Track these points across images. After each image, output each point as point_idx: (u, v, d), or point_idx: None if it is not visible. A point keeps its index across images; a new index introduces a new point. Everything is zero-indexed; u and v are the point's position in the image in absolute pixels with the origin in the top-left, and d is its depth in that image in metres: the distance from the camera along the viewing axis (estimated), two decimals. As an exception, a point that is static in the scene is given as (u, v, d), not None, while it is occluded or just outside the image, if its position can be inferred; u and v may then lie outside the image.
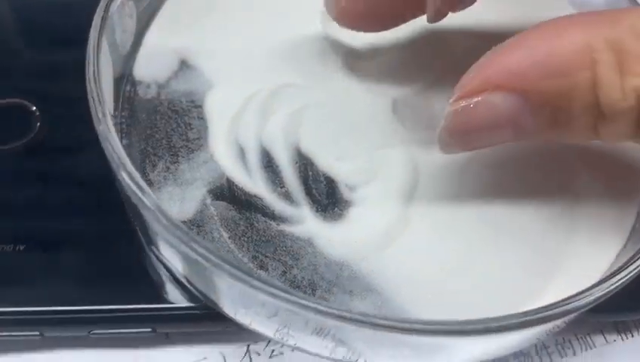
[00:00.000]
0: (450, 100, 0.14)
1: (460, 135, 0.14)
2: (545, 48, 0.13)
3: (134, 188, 0.14)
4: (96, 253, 0.17)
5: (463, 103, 0.14)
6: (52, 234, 0.17)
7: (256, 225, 0.16)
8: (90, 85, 0.15)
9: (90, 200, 0.18)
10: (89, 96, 0.15)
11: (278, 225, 0.16)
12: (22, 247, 0.16)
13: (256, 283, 0.13)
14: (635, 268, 0.14)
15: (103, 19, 0.16)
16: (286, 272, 0.15)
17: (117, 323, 0.16)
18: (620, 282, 0.14)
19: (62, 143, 0.18)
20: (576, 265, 0.16)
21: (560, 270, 0.16)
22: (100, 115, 0.14)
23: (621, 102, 0.13)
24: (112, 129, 0.14)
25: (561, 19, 0.13)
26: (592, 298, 0.13)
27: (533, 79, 0.13)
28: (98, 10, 0.16)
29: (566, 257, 0.16)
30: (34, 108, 0.18)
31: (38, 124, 0.18)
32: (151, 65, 0.19)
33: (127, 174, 0.14)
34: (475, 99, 0.14)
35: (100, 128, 0.14)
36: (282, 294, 0.13)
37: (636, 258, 0.14)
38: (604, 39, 0.13)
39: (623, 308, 0.18)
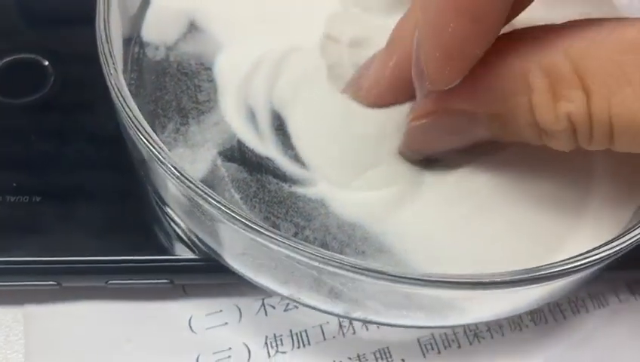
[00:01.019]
0: (407, 119, 0.15)
1: (418, 146, 0.16)
2: (486, 76, 0.14)
3: (146, 143, 0.14)
4: (112, 206, 0.17)
5: (416, 123, 0.15)
6: (67, 187, 0.17)
7: (268, 186, 0.16)
8: (101, 40, 0.14)
9: (104, 155, 0.18)
10: (99, 51, 0.14)
11: (290, 186, 0.16)
12: (38, 199, 0.16)
13: (268, 235, 0.13)
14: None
15: (112, -23, 0.16)
16: (298, 233, 0.15)
17: (134, 273, 0.16)
18: (632, 240, 0.14)
19: (75, 98, 0.18)
20: (592, 224, 0.16)
21: (576, 230, 0.16)
22: (112, 71, 0.14)
23: (555, 124, 0.13)
24: (124, 83, 0.14)
25: (501, 42, 0.14)
26: (604, 254, 0.13)
27: (479, 104, 0.14)
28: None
29: (581, 217, 0.16)
30: (47, 63, 0.18)
31: (52, 79, 0.18)
32: (159, 27, 0.18)
33: (139, 130, 0.14)
34: (427, 120, 0.15)
35: (112, 82, 0.14)
36: (296, 246, 0.12)
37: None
38: (538, 65, 0.13)
39: (636, 266, 0.18)
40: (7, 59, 0.18)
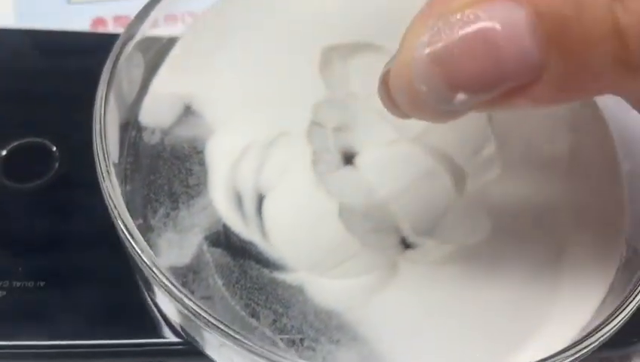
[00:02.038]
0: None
1: (445, 65, 0.11)
2: None
3: (135, 247, 0.15)
4: (111, 290, 0.18)
5: (442, 23, 0.11)
6: (69, 272, 0.18)
7: (250, 272, 0.17)
8: (96, 142, 0.16)
9: (104, 239, 0.19)
10: (94, 152, 0.16)
11: (270, 272, 0.17)
12: (42, 284, 0.17)
13: (240, 340, 0.14)
14: (615, 324, 0.15)
15: (112, 73, 0.17)
16: (276, 321, 0.16)
17: (129, 356, 0.17)
18: (599, 341, 0.14)
19: (78, 182, 0.19)
20: (559, 316, 0.16)
21: (543, 322, 0.16)
22: (105, 173, 0.15)
23: None
24: (116, 184, 0.15)
25: None
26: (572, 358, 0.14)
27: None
28: (107, 63, 0.17)
29: (549, 310, 0.16)
30: (54, 148, 0.20)
31: (58, 163, 0.19)
32: (156, 112, 0.19)
33: (126, 230, 0.15)
34: (462, 15, 0.11)
35: (104, 185, 0.15)
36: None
37: (616, 315, 0.15)
38: None
39: (606, 344, 0.18)
40: (16, 143, 0.19)
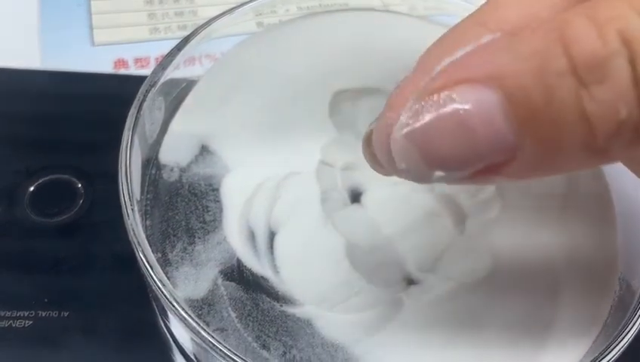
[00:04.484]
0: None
1: (421, 144, 0.12)
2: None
3: (156, 281, 0.16)
4: (130, 322, 0.19)
5: (418, 105, 0.12)
6: (91, 303, 0.19)
7: (262, 305, 0.18)
8: (122, 182, 0.17)
9: (126, 271, 0.20)
10: (120, 192, 0.17)
11: (281, 306, 0.18)
12: (66, 314, 0.18)
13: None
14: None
15: (136, 118, 0.18)
16: (286, 352, 0.17)
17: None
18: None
19: (101, 217, 0.21)
20: (554, 352, 0.17)
21: (539, 358, 0.17)
22: (129, 211, 0.16)
23: (603, 49, 0.10)
24: (139, 221, 0.16)
25: None
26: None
27: (505, 65, 0.11)
28: (132, 109, 0.19)
29: (545, 345, 0.17)
30: (79, 184, 0.21)
31: (82, 199, 0.21)
32: (175, 150, 0.21)
33: (148, 265, 0.16)
34: (438, 96, 0.11)
35: (129, 222, 0.16)
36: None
37: (608, 351, 0.16)
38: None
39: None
40: (42, 179, 0.21)
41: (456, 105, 0.11)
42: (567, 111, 0.10)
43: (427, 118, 0.11)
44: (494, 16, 0.13)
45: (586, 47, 0.10)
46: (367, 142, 0.14)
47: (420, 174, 0.12)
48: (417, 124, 0.12)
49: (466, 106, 0.11)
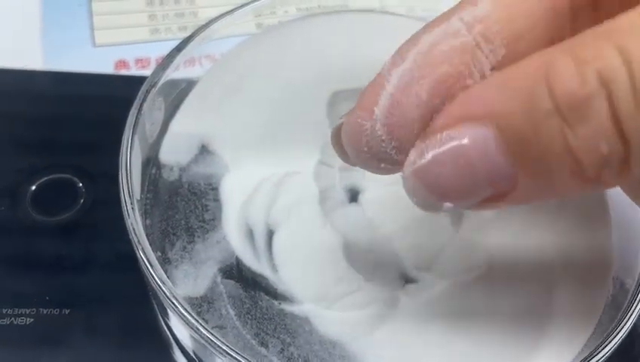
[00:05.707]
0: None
1: (427, 181, 0.13)
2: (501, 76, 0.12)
3: (156, 279, 0.16)
4: (131, 319, 0.19)
5: (423, 144, 0.13)
6: (92, 300, 0.19)
7: (260, 303, 0.18)
8: (122, 182, 0.17)
9: (126, 269, 0.20)
10: (120, 191, 0.17)
11: (279, 304, 0.18)
12: (67, 311, 0.19)
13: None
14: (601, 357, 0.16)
15: (136, 118, 0.18)
16: (284, 350, 0.17)
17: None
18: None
19: (102, 216, 0.21)
20: (549, 349, 0.17)
21: (534, 354, 0.17)
22: (130, 210, 0.17)
23: (581, 88, 0.11)
24: (139, 220, 0.17)
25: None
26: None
27: (496, 104, 0.12)
28: (132, 109, 0.19)
29: (540, 343, 0.17)
30: (80, 184, 0.21)
31: (83, 199, 0.21)
32: (174, 150, 0.21)
33: (148, 263, 0.16)
34: (438, 136, 0.12)
35: (129, 221, 0.16)
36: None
37: (602, 347, 0.16)
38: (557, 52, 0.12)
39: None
40: (43, 179, 0.21)
41: (455, 143, 0.12)
42: (554, 146, 0.11)
43: (430, 155, 0.13)
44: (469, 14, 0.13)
45: (567, 87, 0.11)
46: (337, 134, 0.15)
47: (430, 206, 0.13)
48: (422, 162, 0.13)
49: (465, 143, 0.12)
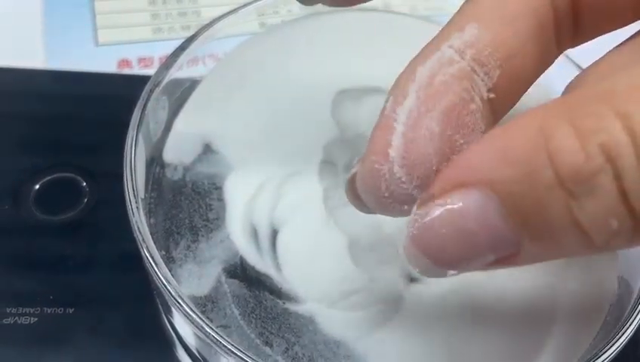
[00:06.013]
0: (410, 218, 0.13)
1: (427, 250, 0.12)
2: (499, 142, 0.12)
3: (161, 278, 0.16)
4: (134, 319, 0.19)
5: (420, 211, 0.12)
6: (96, 300, 0.19)
7: (264, 302, 0.18)
8: (127, 181, 0.17)
9: (129, 268, 0.20)
10: (125, 190, 0.17)
11: (284, 303, 0.18)
12: (71, 310, 0.19)
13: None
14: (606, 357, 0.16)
15: (140, 117, 0.18)
16: (288, 349, 0.17)
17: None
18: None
19: (105, 215, 0.21)
20: (555, 348, 0.17)
21: (540, 354, 0.17)
22: (134, 209, 0.17)
23: (586, 164, 0.10)
24: (144, 219, 0.17)
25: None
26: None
27: (495, 170, 0.11)
28: (136, 108, 0.19)
29: (545, 342, 0.17)
30: (84, 183, 0.21)
31: (87, 198, 0.21)
32: (178, 149, 0.21)
33: (153, 262, 0.16)
34: (435, 202, 0.12)
35: (134, 220, 0.16)
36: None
37: (607, 348, 0.16)
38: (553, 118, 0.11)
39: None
40: (48, 177, 0.21)
41: (452, 210, 0.12)
42: (560, 218, 0.11)
43: (428, 223, 0.12)
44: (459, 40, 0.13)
45: (570, 160, 0.10)
46: (351, 185, 0.15)
47: (434, 273, 0.13)
48: (420, 231, 0.12)
49: (462, 210, 0.12)
